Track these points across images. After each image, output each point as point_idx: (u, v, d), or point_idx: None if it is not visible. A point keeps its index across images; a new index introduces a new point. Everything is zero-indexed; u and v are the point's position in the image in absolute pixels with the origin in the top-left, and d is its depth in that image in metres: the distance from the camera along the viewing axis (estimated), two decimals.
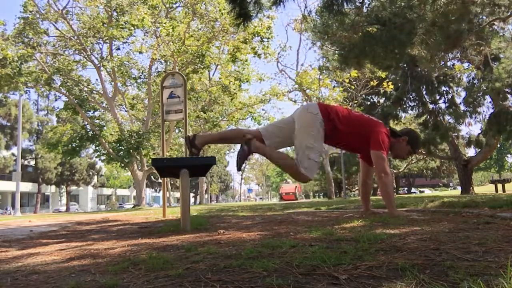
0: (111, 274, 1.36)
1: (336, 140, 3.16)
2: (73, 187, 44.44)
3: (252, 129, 3.19)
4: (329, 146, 3.17)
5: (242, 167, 3.13)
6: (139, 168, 17.24)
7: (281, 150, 3.33)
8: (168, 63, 16.83)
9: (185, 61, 15.91)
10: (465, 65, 14.80)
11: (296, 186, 30.58)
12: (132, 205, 21.99)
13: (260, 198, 68.36)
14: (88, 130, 17.47)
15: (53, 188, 43.78)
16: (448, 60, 13.02)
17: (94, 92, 17.94)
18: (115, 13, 15.72)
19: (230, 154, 45.88)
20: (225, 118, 20.62)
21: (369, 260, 1.33)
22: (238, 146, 3.41)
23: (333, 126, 3.01)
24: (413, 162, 32.83)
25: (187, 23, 15.13)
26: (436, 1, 5.87)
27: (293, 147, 3.10)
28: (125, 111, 19.40)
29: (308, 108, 3.13)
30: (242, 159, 3.02)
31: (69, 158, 20.31)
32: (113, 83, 17.46)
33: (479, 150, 15.55)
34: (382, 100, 18.27)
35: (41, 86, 16.41)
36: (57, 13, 15.88)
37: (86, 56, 16.75)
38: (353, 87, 17.59)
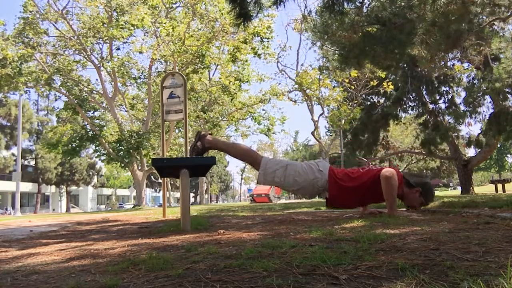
0: (111, 274, 1.36)
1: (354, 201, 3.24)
2: (73, 187, 44.42)
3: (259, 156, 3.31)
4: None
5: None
6: (139, 168, 17.24)
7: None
8: (168, 63, 16.82)
9: (185, 61, 15.90)
10: (465, 65, 14.79)
11: (270, 187, 26.85)
12: (132, 205, 21.98)
13: None
14: (88, 130, 17.46)
15: (53, 188, 43.76)
16: (448, 60, 13.00)
17: (94, 92, 17.94)
18: (115, 13, 15.72)
19: None
20: (225, 118, 20.62)
21: (369, 260, 1.33)
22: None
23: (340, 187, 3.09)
24: (413, 162, 32.80)
25: (187, 23, 15.12)
26: (436, 1, 5.86)
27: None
28: (125, 111, 19.39)
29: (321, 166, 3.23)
30: (196, 154, 3.16)
31: (69, 158, 20.30)
32: (113, 83, 17.46)
33: (479, 150, 15.54)
34: (382, 100, 18.26)
35: (41, 86, 16.40)
36: (57, 13, 15.88)
37: (86, 56, 16.75)
38: (353, 87, 17.58)
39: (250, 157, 3.33)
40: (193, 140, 3.26)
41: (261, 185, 27.52)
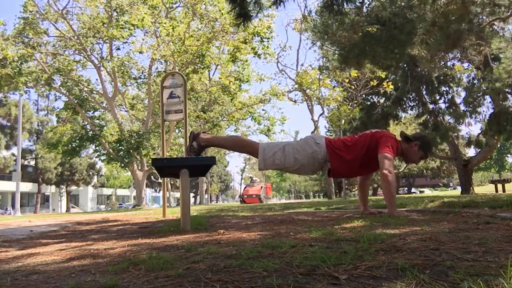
0: (111, 274, 1.36)
1: (351, 171, 3.22)
2: (73, 187, 44.42)
3: (255, 142, 3.30)
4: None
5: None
6: (139, 168, 17.24)
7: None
8: (168, 63, 16.83)
9: (185, 61, 15.91)
10: (465, 65, 14.79)
11: (262, 187, 26.36)
12: (132, 205, 21.98)
13: None
14: (88, 130, 17.46)
15: (53, 188, 43.77)
16: (448, 60, 13.01)
17: (94, 92, 17.94)
18: (115, 13, 15.72)
19: (230, 154, 45.86)
20: (225, 118, 20.62)
21: (369, 260, 1.33)
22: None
23: (339, 157, 3.08)
24: None
25: (187, 23, 15.12)
26: (436, 1, 5.86)
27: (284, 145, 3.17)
28: (125, 111, 19.40)
29: (316, 138, 3.23)
30: (193, 154, 3.15)
31: (69, 158, 20.29)
32: (113, 83, 17.46)
33: (479, 150, 15.54)
34: (382, 100, 18.26)
35: (41, 86, 16.41)
36: (57, 13, 15.88)
37: (86, 56, 16.75)
38: (353, 87, 17.59)
39: (246, 147, 3.31)
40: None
41: (253, 186, 26.34)
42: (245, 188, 27.92)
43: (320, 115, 19.45)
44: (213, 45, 16.36)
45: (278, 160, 3.06)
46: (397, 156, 3.17)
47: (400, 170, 33.03)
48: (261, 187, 26.16)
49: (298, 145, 3.12)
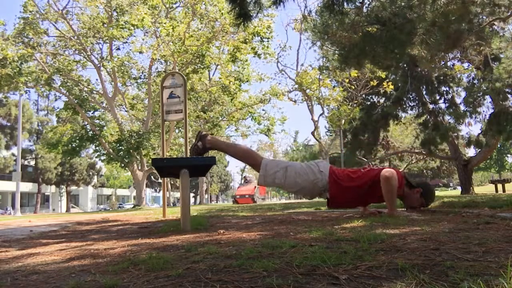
0: (111, 274, 1.36)
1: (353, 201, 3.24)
2: (73, 187, 44.42)
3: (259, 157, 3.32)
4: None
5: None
6: (139, 168, 17.24)
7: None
8: (168, 63, 16.82)
9: (185, 61, 15.90)
10: (465, 65, 14.79)
11: (255, 187, 25.50)
12: (132, 205, 21.98)
13: (262, 199, 68.29)
14: (88, 130, 17.46)
15: (53, 188, 43.77)
16: (448, 60, 13.01)
17: (94, 92, 17.93)
18: (115, 13, 15.71)
19: None
20: (225, 118, 20.62)
21: (369, 260, 1.33)
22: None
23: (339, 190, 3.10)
24: (413, 162, 32.74)
25: (187, 23, 15.12)
26: (436, 1, 5.86)
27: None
28: (125, 111, 19.39)
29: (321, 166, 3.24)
30: (196, 156, 3.18)
31: (69, 158, 20.30)
32: (113, 83, 17.46)
33: (479, 150, 15.54)
34: (382, 100, 18.26)
35: (41, 86, 16.40)
36: (57, 13, 15.88)
37: (86, 56, 16.75)
38: (353, 87, 17.58)
39: (250, 158, 3.34)
40: (193, 140, 3.27)
41: (246, 185, 25.57)
42: (237, 187, 26.56)
43: (320, 115, 19.45)
44: (213, 45, 16.36)
45: (278, 179, 3.11)
46: (399, 189, 3.16)
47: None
48: (255, 186, 25.32)
49: (301, 169, 3.15)
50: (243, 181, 29.51)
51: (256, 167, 3.22)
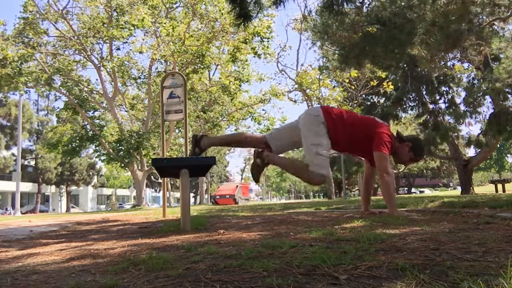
0: (111, 274, 1.36)
1: (342, 144, 3.15)
2: (73, 187, 44.42)
3: (257, 134, 3.24)
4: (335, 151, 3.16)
5: (259, 179, 3.21)
6: (139, 168, 17.24)
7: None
8: (168, 63, 16.83)
9: (185, 61, 15.91)
10: (465, 65, 14.80)
11: (237, 186, 23.51)
12: (132, 205, 21.97)
13: (260, 198, 68.38)
14: (88, 130, 17.46)
15: (53, 188, 43.76)
16: (448, 60, 13.02)
17: (94, 92, 17.94)
18: (115, 13, 15.72)
19: (230, 154, 45.86)
20: (225, 118, 20.62)
21: (369, 260, 1.33)
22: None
23: (336, 128, 3.03)
24: None
25: (187, 23, 15.12)
26: (436, 1, 5.87)
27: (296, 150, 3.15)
28: (125, 111, 19.40)
29: (310, 110, 3.23)
30: (257, 172, 3.12)
31: (69, 158, 20.30)
32: (113, 83, 17.46)
33: (479, 150, 15.55)
34: (382, 100, 18.28)
35: (41, 86, 16.41)
36: (57, 13, 15.88)
37: (86, 56, 16.76)
38: (353, 87, 17.59)
39: (248, 142, 3.31)
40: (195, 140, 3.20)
41: (226, 185, 24.25)
42: (218, 187, 24.61)
43: None
44: (213, 45, 16.36)
45: (323, 153, 2.98)
46: (390, 152, 3.12)
47: (400, 170, 33.05)
48: (236, 186, 23.75)
49: (311, 139, 3.04)
50: (225, 181, 27.46)
51: (260, 145, 3.14)
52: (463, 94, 15.66)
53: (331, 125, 3.02)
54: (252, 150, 3.27)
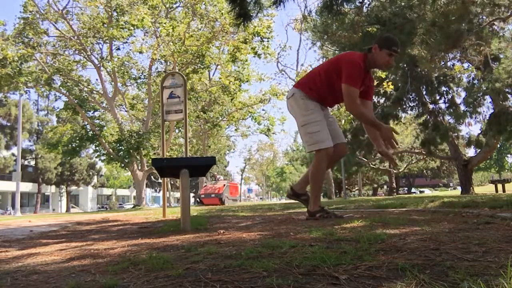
0: (111, 274, 1.36)
1: (327, 97, 3.08)
2: (73, 187, 44.42)
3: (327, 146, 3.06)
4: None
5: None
6: (139, 168, 17.24)
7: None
8: (168, 63, 16.82)
9: (185, 61, 15.90)
10: (465, 65, 14.81)
11: (224, 185, 22.12)
12: (132, 205, 21.97)
13: (260, 198, 68.34)
14: (88, 130, 17.45)
15: (53, 188, 43.77)
16: (448, 60, 13.03)
17: (94, 92, 17.94)
18: (115, 13, 15.72)
19: (230, 154, 45.80)
20: (225, 118, 20.62)
21: (369, 260, 1.33)
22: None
23: (314, 85, 3.01)
24: (413, 162, 32.72)
25: (187, 23, 15.12)
26: (436, 1, 5.87)
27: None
28: (125, 111, 19.39)
29: (287, 97, 3.20)
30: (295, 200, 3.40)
31: (69, 158, 20.29)
32: (113, 83, 17.46)
33: (479, 150, 15.55)
34: (382, 100, 18.27)
35: (41, 86, 16.40)
36: (57, 13, 15.88)
37: (86, 56, 16.75)
38: None
39: None
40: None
41: (213, 184, 23.66)
42: (203, 186, 22.96)
43: None
44: (213, 45, 16.36)
45: (313, 129, 2.96)
46: (362, 82, 2.94)
47: (400, 170, 33.02)
48: (223, 185, 22.19)
49: (299, 121, 3.03)
50: (215, 179, 25.81)
51: (334, 155, 3.11)
52: (463, 94, 15.68)
53: (308, 88, 3.01)
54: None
